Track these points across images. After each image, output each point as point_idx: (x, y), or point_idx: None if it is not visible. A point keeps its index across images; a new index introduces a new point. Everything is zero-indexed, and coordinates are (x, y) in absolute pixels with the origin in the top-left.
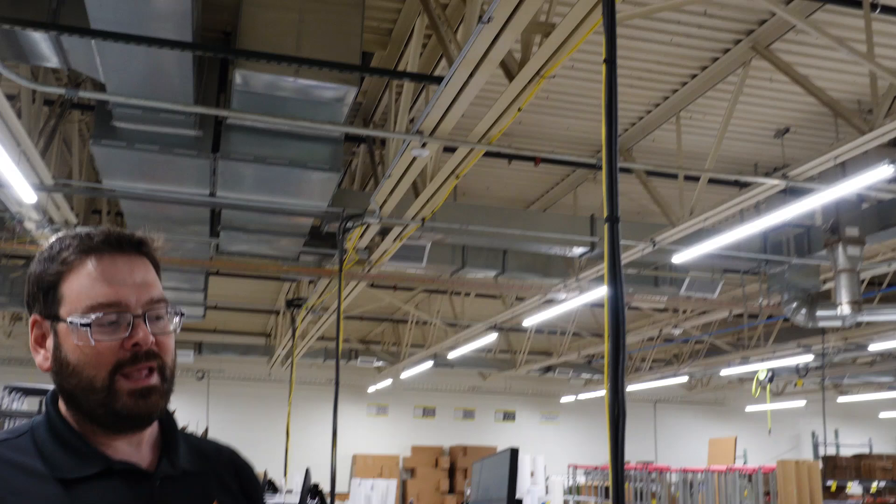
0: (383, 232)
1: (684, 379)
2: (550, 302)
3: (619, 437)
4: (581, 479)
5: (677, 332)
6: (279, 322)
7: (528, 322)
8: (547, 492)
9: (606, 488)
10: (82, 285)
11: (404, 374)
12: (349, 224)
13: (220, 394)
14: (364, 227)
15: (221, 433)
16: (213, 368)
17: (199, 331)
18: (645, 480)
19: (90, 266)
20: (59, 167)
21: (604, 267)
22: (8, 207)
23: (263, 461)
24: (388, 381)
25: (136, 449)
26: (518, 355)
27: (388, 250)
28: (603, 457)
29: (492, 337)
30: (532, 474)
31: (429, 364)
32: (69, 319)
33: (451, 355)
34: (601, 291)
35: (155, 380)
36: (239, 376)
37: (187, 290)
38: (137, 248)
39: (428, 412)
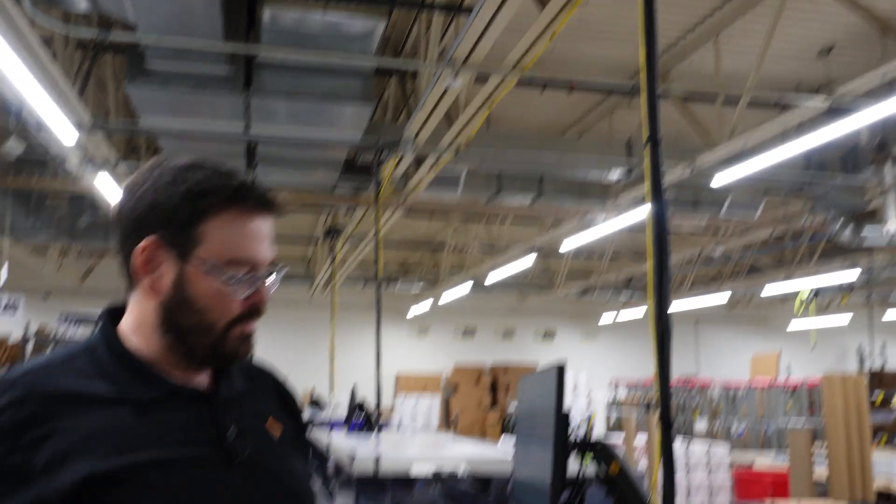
0: (418, 161)
1: (725, 297)
2: (588, 225)
3: (665, 352)
4: (622, 394)
5: (718, 252)
6: (318, 250)
7: (566, 247)
8: (589, 406)
9: (647, 403)
10: (230, 237)
11: (443, 299)
12: (383, 155)
13: (265, 318)
14: (398, 157)
15: (267, 355)
16: None
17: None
18: (687, 395)
19: (242, 219)
20: (96, 108)
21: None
22: (50, 148)
23: (309, 380)
24: (427, 305)
25: (195, 374)
26: (556, 278)
27: (422, 180)
28: (642, 372)
29: (529, 260)
30: (574, 389)
31: (467, 288)
32: (209, 264)
33: (490, 279)
34: (640, 214)
35: (253, 326)
36: (282, 302)
37: None
38: (273, 208)
39: (468, 332)
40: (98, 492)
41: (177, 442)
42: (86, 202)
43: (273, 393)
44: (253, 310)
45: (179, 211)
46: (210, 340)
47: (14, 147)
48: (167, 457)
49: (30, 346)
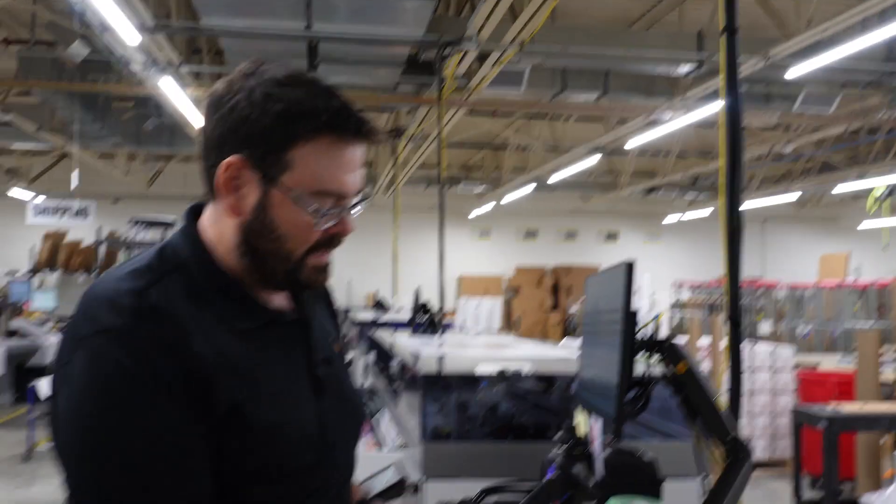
0: (481, 58)
1: (795, 197)
2: (654, 123)
3: (735, 250)
4: (686, 296)
5: (788, 149)
6: (380, 151)
7: (631, 144)
8: (652, 307)
9: (711, 305)
10: (321, 166)
11: (505, 199)
12: (446, 51)
13: None
14: (461, 53)
15: (333, 258)
16: None
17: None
18: (752, 296)
19: (335, 148)
20: (158, 9)
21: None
22: (114, 51)
23: (374, 283)
24: (489, 206)
25: (280, 297)
26: (621, 177)
27: (486, 76)
28: (706, 276)
29: (593, 160)
30: (637, 291)
31: (530, 188)
32: (296, 193)
33: (552, 179)
34: (710, 109)
35: (329, 256)
36: None
37: None
38: (370, 136)
39: (530, 234)
40: (230, 421)
41: (282, 369)
42: (151, 105)
43: (321, 297)
44: (333, 240)
45: (271, 132)
46: (286, 267)
47: (79, 50)
48: (276, 385)
49: (102, 250)
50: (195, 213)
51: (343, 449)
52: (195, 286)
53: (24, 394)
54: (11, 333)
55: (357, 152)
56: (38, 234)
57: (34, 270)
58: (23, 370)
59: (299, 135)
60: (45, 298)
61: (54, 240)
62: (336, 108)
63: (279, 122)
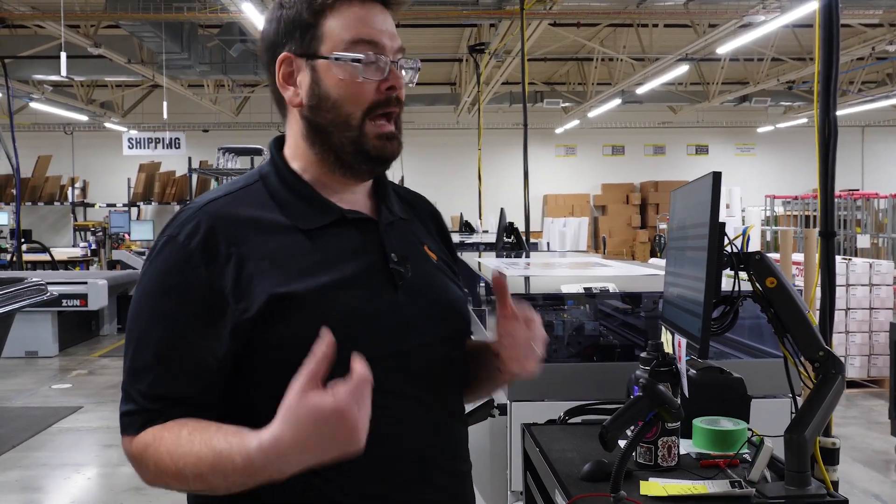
0: None
1: None
2: (747, 26)
3: (830, 159)
4: (779, 210)
5: (893, 48)
6: (463, 69)
7: (723, 49)
8: (744, 223)
9: (806, 218)
10: (347, 25)
11: (592, 114)
12: None
13: (412, 143)
14: None
15: (417, 181)
16: (404, 120)
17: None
18: (850, 208)
19: (358, 9)
20: None
21: None
22: None
23: (458, 205)
24: (575, 122)
25: (358, 198)
26: (711, 86)
27: None
28: (801, 188)
29: (682, 69)
30: (728, 206)
31: (616, 102)
32: (334, 55)
33: (640, 91)
34: (807, 8)
35: (393, 127)
36: (428, 126)
37: None
38: (390, 2)
39: (617, 150)
40: (283, 311)
41: (349, 265)
42: (235, 32)
43: (429, 219)
44: (388, 97)
45: (301, 17)
46: (351, 136)
47: None
48: (341, 279)
49: (194, 179)
50: (279, 141)
51: (428, 342)
52: (272, 192)
53: None
54: (113, 265)
55: (382, 15)
56: (133, 165)
57: (132, 202)
58: (125, 300)
59: (323, 9)
60: (143, 229)
61: (149, 171)
62: None
63: (306, 4)
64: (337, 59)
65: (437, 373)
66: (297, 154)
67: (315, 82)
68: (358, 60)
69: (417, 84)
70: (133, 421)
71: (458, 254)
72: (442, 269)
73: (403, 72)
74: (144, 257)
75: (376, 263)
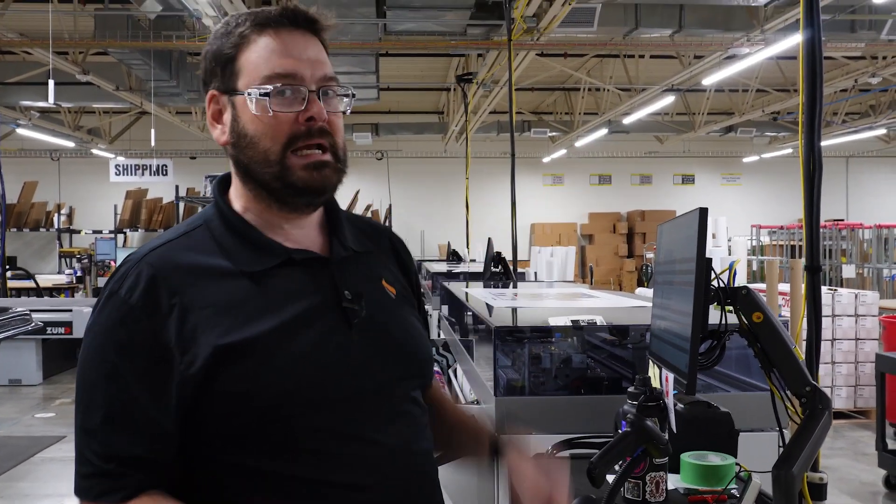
0: None
1: (881, 131)
2: (732, 58)
3: (815, 190)
4: (765, 240)
5: (875, 80)
6: (451, 98)
7: (708, 80)
8: (730, 253)
9: (792, 247)
10: (260, 57)
11: (578, 143)
12: None
13: (400, 172)
14: None
15: (404, 209)
16: (391, 148)
17: (375, 112)
18: (835, 238)
19: (267, 39)
20: None
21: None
22: (186, 5)
23: (445, 234)
24: (562, 151)
25: (307, 233)
26: (697, 116)
27: (557, 15)
28: (787, 217)
29: (668, 99)
30: (714, 236)
31: (603, 131)
32: (248, 91)
33: (627, 120)
34: (790, 41)
35: (327, 156)
36: (416, 154)
37: (359, 73)
38: (311, 25)
39: (604, 179)
40: (228, 362)
41: (298, 307)
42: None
43: (388, 250)
44: (309, 129)
45: (220, 55)
46: (273, 171)
47: (152, 7)
48: (289, 322)
49: (181, 207)
50: (223, 183)
51: (385, 383)
52: (216, 237)
53: None
54: (98, 292)
55: (301, 42)
56: (120, 192)
57: (118, 228)
58: None
59: (239, 43)
60: None
61: (136, 197)
62: (267, 12)
63: (222, 41)
64: (250, 94)
65: (398, 412)
66: (237, 193)
67: (234, 119)
68: (266, 94)
69: (405, 112)
70: (92, 485)
71: (446, 284)
72: (402, 304)
73: (331, 98)
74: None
75: (328, 302)
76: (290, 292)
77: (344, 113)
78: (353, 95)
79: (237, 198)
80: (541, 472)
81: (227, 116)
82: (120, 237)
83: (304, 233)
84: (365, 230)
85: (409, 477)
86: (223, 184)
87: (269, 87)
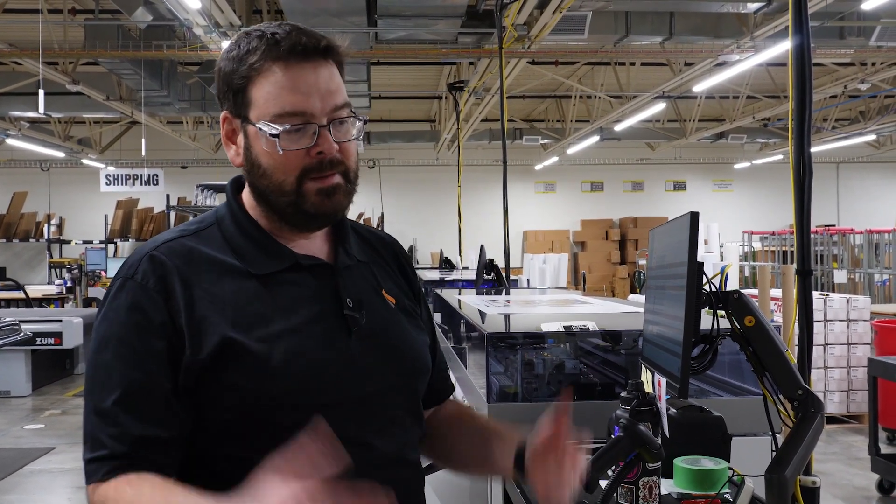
0: (542, 5)
1: (871, 137)
2: (722, 65)
3: (805, 196)
4: (757, 246)
5: (865, 86)
6: (442, 107)
7: (699, 87)
8: (722, 259)
9: (783, 253)
10: (270, 93)
11: (570, 150)
12: None
13: (392, 180)
14: (521, 1)
15: (396, 217)
16: (383, 157)
17: (366, 121)
18: (826, 244)
19: (278, 73)
20: None
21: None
22: (177, 15)
23: (438, 241)
24: (554, 159)
25: (313, 241)
26: (688, 123)
27: (547, 23)
28: (778, 223)
29: (659, 107)
30: (706, 242)
31: (595, 139)
32: (258, 125)
33: (618, 128)
34: (780, 48)
35: (339, 179)
36: (408, 162)
37: (351, 81)
38: (324, 54)
39: (596, 186)
40: (233, 356)
41: (302, 312)
42: (215, 69)
43: (391, 260)
44: (321, 161)
45: (231, 81)
46: (288, 200)
47: (143, 17)
48: (293, 326)
49: (172, 216)
50: (237, 183)
51: (381, 391)
52: (227, 236)
53: None
54: (88, 302)
55: (312, 73)
56: (111, 202)
57: (109, 238)
58: None
59: (250, 73)
60: (119, 266)
61: (126, 207)
62: (279, 39)
63: (234, 65)
64: (261, 129)
65: (393, 420)
66: (251, 202)
67: (247, 147)
68: (275, 136)
69: (397, 121)
70: (99, 467)
71: (438, 291)
72: (402, 313)
73: (343, 125)
74: (97, 304)
75: (330, 309)
76: (295, 297)
77: (357, 138)
78: (365, 121)
79: (249, 204)
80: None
81: (240, 140)
82: (111, 247)
83: (311, 242)
84: (369, 240)
85: (397, 486)
86: (237, 184)
87: (279, 129)
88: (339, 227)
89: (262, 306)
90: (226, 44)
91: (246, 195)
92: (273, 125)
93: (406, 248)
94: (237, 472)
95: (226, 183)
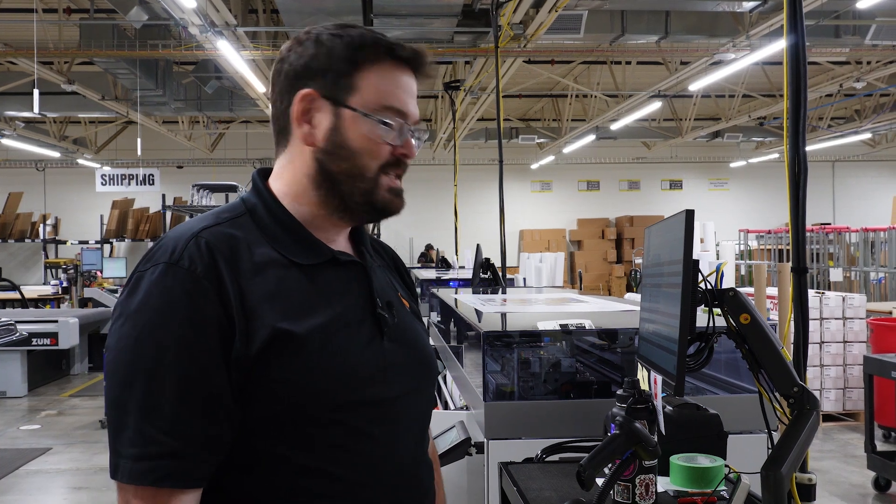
0: (538, 4)
1: (867, 136)
2: (718, 63)
3: (801, 194)
4: (753, 244)
5: (860, 85)
6: (439, 106)
7: (695, 86)
8: (718, 257)
9: (779, 251)
10: (384, 86)
11: (566, 149)
12: None
13: None
14: (517, 0)
15: (392, 217)
16: None
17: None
18: (822, 242)
19: (395, 72)
20: None
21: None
22: (172, 14)
23: (434, 241)
24: (550, 158)
25: (341, 240)
26: (684, 122)
27: (543, 22)
28: (774, 221)
29: (655, 105)
30: (702, 240)
31: (591, 137)
32: (365, 111)
33: (614, 127)
34: (775, 47)
35: (401, 185)
36: None
37: None
38: (424, 67)
39: (592, 185)
40: (284, 347)
41: (342, 306)
42: (210, 69)
43: (393, 268)
44: (402, 159)
45: (338, 61)
46: (363, 187)
47: (138, 16)
48: (338, 320)
49: (168, 216)
50: (264, 172)
51: (405, 393)
52: (261, 226)
53: (99, 362)
54: (84, 303)
55: (412, 82)
56: (106, 202)
57: (104, 239)
58: (96, 339)
59: (363, 60)
60: (115, 267)
61: (122, 207)
62: (393, 41)
63: (346, 50)
64: (368, 115)
65: (411, 421)
66: (293, 190)
67: (336, 129)
68: (387, 125)
69: None
70: (153, 467)
71: (435, 290)
72: (415, 317)
73: (416, 139)
74: (119, 294)
75: (365, 308)
76: (337, 291)
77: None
78: (427, 140)
79: (289, 195)
80: None
81: (322, 120)
82: (106, 247)
83: (338, 240)
84: (375, 246)
85: (416, 486)
86: (264, 174)
87: (391, 122)
88: (357, 229)
89: (309, 298)
90: (224, 42)
91: (285, 187)
92: (380, 114)
93: (403, 247)
94: (272, 471)
95: (223, 183)
